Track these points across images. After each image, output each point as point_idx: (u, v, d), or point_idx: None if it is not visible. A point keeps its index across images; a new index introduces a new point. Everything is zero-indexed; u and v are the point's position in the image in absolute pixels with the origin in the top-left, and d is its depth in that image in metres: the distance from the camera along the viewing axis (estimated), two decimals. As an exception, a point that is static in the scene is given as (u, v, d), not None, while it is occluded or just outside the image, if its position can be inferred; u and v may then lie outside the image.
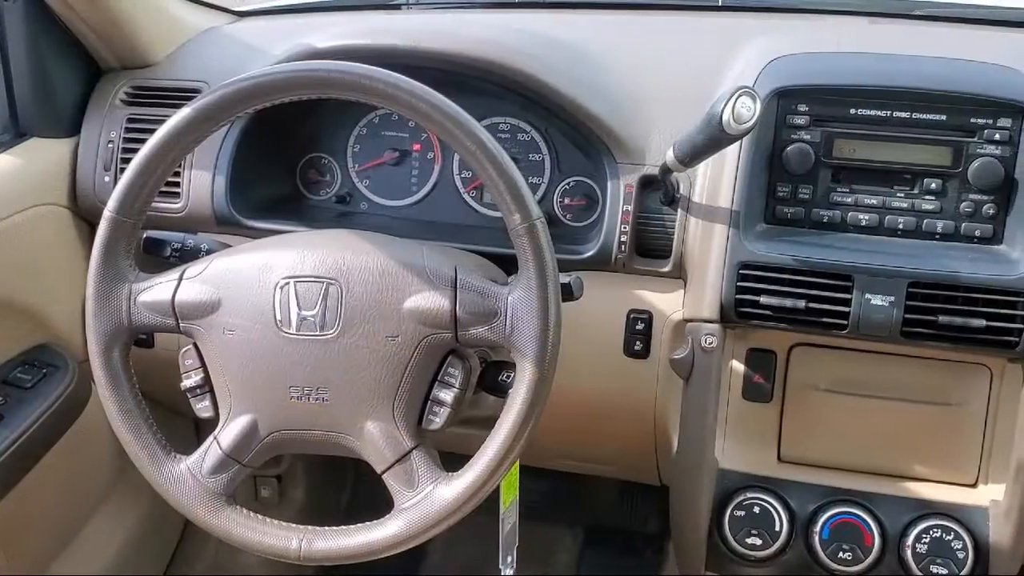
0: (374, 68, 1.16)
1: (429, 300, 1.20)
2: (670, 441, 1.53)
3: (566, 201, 1.63)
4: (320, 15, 1.94)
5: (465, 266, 1.24)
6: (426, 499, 1.20)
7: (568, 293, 1.30)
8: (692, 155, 1.33)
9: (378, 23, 1.84)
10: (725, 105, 1.23)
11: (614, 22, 1.79)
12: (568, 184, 1.63)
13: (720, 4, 1.84)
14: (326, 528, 1.23)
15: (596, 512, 2.36)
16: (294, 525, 1.24)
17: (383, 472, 1.23)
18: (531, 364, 1.17)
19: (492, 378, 1.34)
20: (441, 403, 1.23)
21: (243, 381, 1.24)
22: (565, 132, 1.59)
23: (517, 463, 1.48)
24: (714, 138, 1.28)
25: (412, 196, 1.70)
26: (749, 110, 1.24)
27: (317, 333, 1.22)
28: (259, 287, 1.23)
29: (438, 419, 1.24)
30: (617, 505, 2.32)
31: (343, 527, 1.23)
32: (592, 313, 1.51)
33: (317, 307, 1.22)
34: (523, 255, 1.16)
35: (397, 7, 1.96)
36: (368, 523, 1.22)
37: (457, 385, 1.23)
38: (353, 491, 2.41)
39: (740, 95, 1.24)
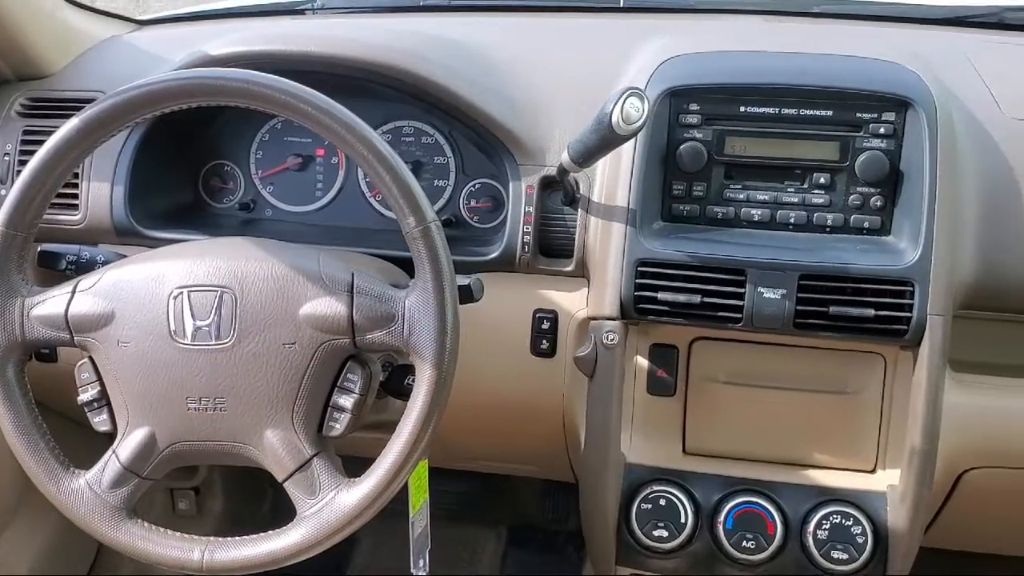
0: (263, 74, 1.16)
1: (325, 306, 1.20)
2: (579, 438, 1.54)
3: (472, 203, 1.64)
4: (222, 22, 1.93)
5: (363, 271, 1.24)
6: (328, 506, 1.20)
7: (468, 295, 1.31)
8: (586, 156, 1.35)
9: (278, 29, 1.83)
10: (614, 106, 1.25)
11: (514, 25, 1.81)
12: (474, 186, 1.64)
13: (621, 5, 1.87)
14: (228, 539, 1.22)
15: (518, 511, 2.37)
16: (196, 537, 1.23)
17: (284, 480, 1.23)
18: (430, 367, 1.17)
19: (398, 382, 1.35)
20: (341, 409, 1.23)
21: (139, 393, 1.23)
22: (468, 135, 1.60)
23: (426, 466, 1.49)
24: (605, 138, 1.30)
25: (317, 202, 1.69)
26: (638, 110, 1.26)
27: (213, 343, 1.21)
28: (152, 298, 1.22)
29: (339, 425, 1.23)
30: (538, 503, 2.33)
31: (245, 537, 1.22)
32: (498, 314, 1.53)
33: (211, 316, 1.21)
34: (419, 258, 1.17)
35: (302, 12, 1.96)
36: (270, 532, 1.21)
37: (357, 391, 1.23)
38: (274, 500, 2.39)
39: (628, 96, 1.26)
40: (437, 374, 1.17)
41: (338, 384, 1.23)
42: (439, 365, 1.17)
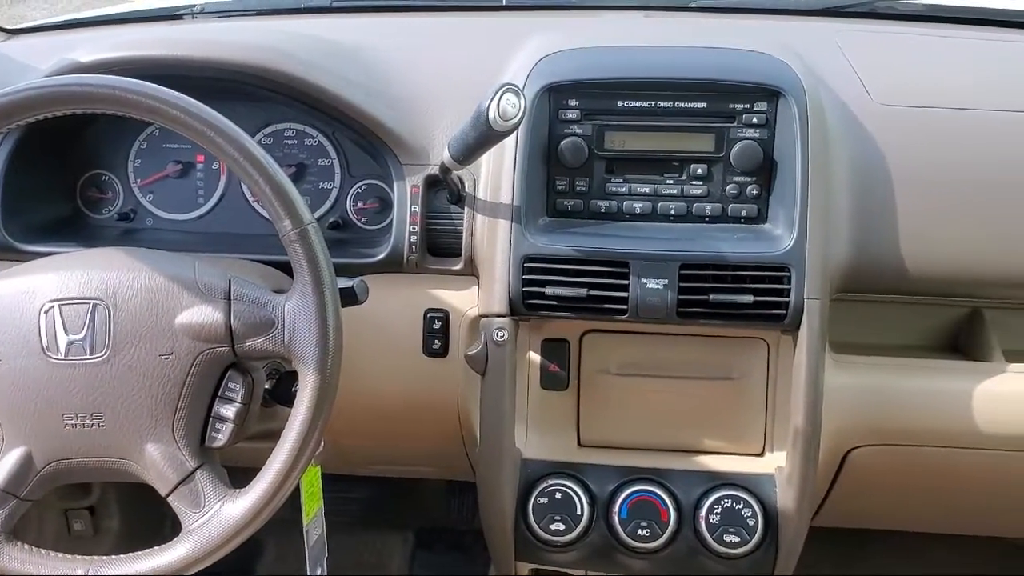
0: (130, 80, 1.13)
1: (202, 314, 1.18)
2: (475, 436, 1.54)
3: (359, 204, 1.63)
4: (97, 29, 1.88)
5: (241, 277, 1.22)
6: (213, 518, 1.18)
7: (352, 297, 1.29)
8: (466, 153, 1.35)
9: (154, 34, 1.79)
10: (490, 102, 1.26)
11: (397, 25, 1.80)
12: (360, 187, 1.62)
13: (504, 3, 1.87)
14: (113, 557, 1.19)
15: (425, 513, 2.36)
16: (80, 556, 1.20)
17: (167, 495, 1.20)
18: (313, 372, 1.16)
19: (285, 390, 1.33)
20: (223, 419, 1.21)
21: (13, 412, 1.19)
22: (352, 136, 1.58)
23: (318, 473, 1.48)
24: (484, 135, 1.30)
25: (199, 209, 1.66)
26: (514, 106, 1.26)
27: (87, 357, 1.18)
28: (23, 313, 1.19)
29: (222, 436, 1.22)
30: (444, 504, 2.33)
31: (131, 554, 1.20)
32: (388, 315, 1.52)
33: (85, 330, 1.18)
34: (297, 262, 1.16)
35: (180, 17, 1.92)
36: (156, 548, 1.19)
37: (239, 400, 1.21)
38: (175, 516, 2.33)
39: (504, 92, 1.26)
40: (320, 379, 1.15)
41: (219, 394, 1.21)
42: (322, 370, 1.15)
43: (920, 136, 1.47)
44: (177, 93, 1.14)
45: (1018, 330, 1.55)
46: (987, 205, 1.45)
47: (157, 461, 1.19)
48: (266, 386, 1.34)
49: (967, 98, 1.51)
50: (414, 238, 1.49)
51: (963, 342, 1.58)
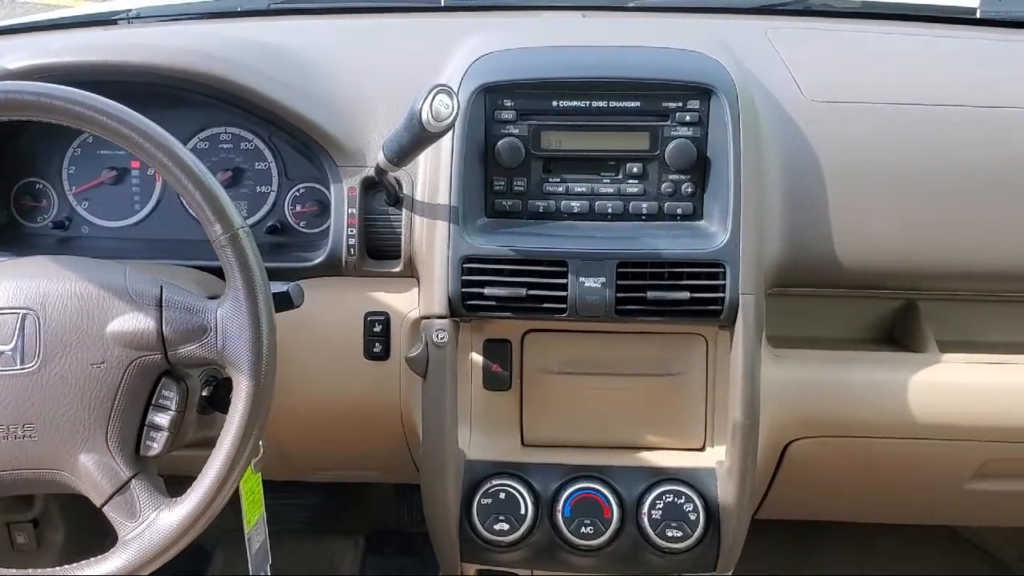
0: (57, 86, 1.12)
1: (133, 322, 1.17)
2: (419, 439, 1.54)
3: (297, 208, 1.62)
4: (30, 35, 1.85)
5: (173, 283, 1.21)
6: (149, 528, 1.17)
7: (287, 302, 1.29)
8: (400, 154, 1.35)
9: (87, 40, 1.76)
10: (423, 103, 1.26)
11: (333, 27, 1.79)
12: (298, 191, 1.61)
13: (443, 4, 1.87)
14: (48, 570, 1.17)
15: (375, 517, 2.36)
16: (16, 571, 1.18)
17: (103, 505, 1.19)
18: (247, 378, 1.15)
19: (223, 396, 1.32)
20: (158, 428, 1.20)
21: None
22: (288, 139, 1.57)
23: (259, 480, 1.47)
24: (417, 136, 1.30)
25: (136, 215, 1.64)
26: (447, 107, 1.26)
27: (16, 367, 1.16)
28: None
29: (156, 445, 1.20)
30: (394, 507, 2.32)
31: (67, 566, 1.18)
32: (328, 319, 1.52)
33: (14, 340, 1.17)
34: (228, 267, 1.15)
35: (115, 22, 1.90)
36: (91, 559, 1.18)
37: (173, 408, 1.20)
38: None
39: (437, 93, 1.26)
40: (254, 385, 1.15)
41: (153, 402, 1.20)
42: (256, 376, 1.15)
43: (851, 131, 1.49)
44: (105, 99, 1.12)
45: (952, 321, 1.58)
46: (918, 198, 1.47)
47: (91, 471, 1.18)
48: (204, 393, 1.33)
49: (899, 93, 1.53)
50: (352, 241, 1.48)
51: (898, 334, 1.61)
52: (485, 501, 1.48)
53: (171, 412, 1.20)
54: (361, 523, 2.35)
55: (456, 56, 1.53)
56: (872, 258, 1.47)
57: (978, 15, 1.82)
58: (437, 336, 1.43)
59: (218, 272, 1.44)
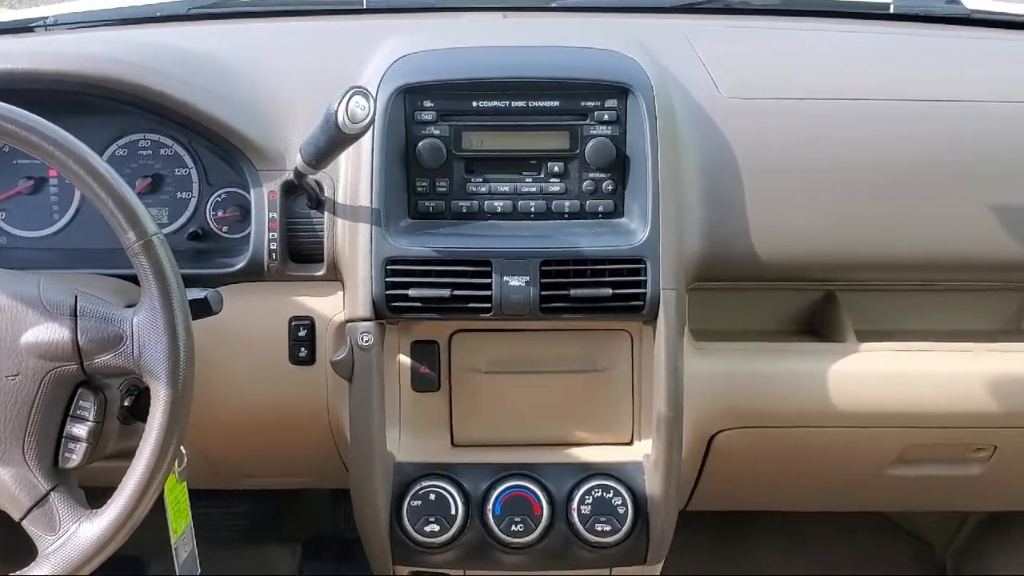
0: None
1: (47, 332, 1.15)
2: (348, 443, 1.53)
3: (219, 214, 1.60)
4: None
5: (89, 292, 1.19)
6: (69, 540, 1.15)
7: (205, 308, 1.27)
8: (318, 157, 1.35)
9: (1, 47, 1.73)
10: (339, 105, 1.25)
11: (253, 30, 1.78)
12: (220, 196, 1.60)
13: (365, 6, 1.87)
14: None
15: (311, 523, 2.34)
16: None
17: (21, 519, 1.17)
18: (164, 386, 1.14)
19: (144, 406, 1.30)
20: (76, 439, 1.19)
21: None
22: (208, 144, 1.56)
23: (184, 489, 1.45)
24: (334, 139, 1.29)
25: (54, 225, 1.61)
26: (363, 109, 1.26)
27: None
28: None
29: (75, 456, 1.19)
30: (331, 513, 2.31)
31: None
32: (252, 325, 1.50)
33: None
34: (143, 274, 1.14)
35: (31, 30, 1.86)
36: (11, 575, 1.15)
37: (91, 418, 1.19)
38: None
39: (353, 95, 1.26)
40: (172, 393, 1.14)
41: (70, 413, 1.19)
42: (174, 384, 1.14)
43: (767, 128, 1.52)
44: (13, 108, 1.11)
45: (869, 310, 1.62)
46: (833, 192, 1.50)
47: (8, 485, 1.16)
48: (125, 403, 1.32)
49: (814, 89, 1.56)
50: (274, 245, 1.47)
51: (818, 324, 1.64)
52: (415, 503, 1.48)
53: (89, 423, 1.18)
54: (298, 529, 2.33)
55: (376, 58, 1.53)
56: (790, 252, 1.50)
57: (892, 10, 1.86)
58: (362, 339, 1.43)
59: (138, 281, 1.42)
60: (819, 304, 1.64)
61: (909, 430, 1.56)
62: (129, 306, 1.19)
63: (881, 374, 1.53)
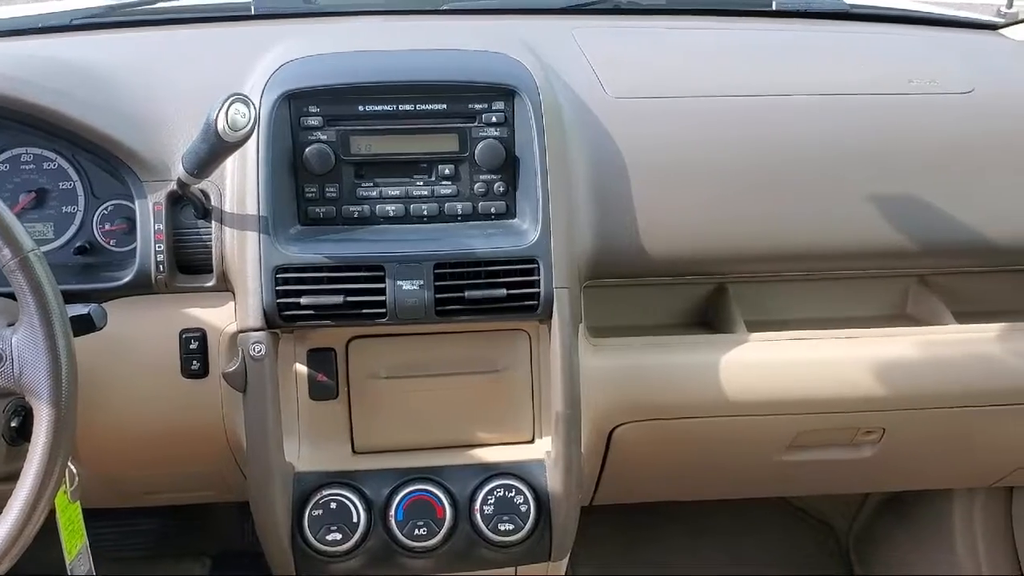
0: None
1: None
2: (245, 455, 1.51)
3: (106, 227, 1.56)
4: None
5: None
6: None
7: (88, 324, 1.25)
8: (200, 167, 1.33)
9: None
10: (218, 113, 1.24)
11: (137, 40, 1.74)
12: (106, 209, 1.56)
13: (252, 12, 1.84)
14: None
15: (220, 538, 2.30)
16: None
17: None
18: (47, 405, 1.11)
19: (31, 426, 1.27)
20: None
21: None
22: (91, 157, 1.52)
23: (78, 509, 1.42)
24: (215, 147, 1.28)
25: None
26: (244, 116, 1.25)
27: None
28: None
29: None
30: (239, 526, 2.27)
31: None
32: (142, 339, 1.47)
33: None
34: (20, 292, 1.11)
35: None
36: None
37: None
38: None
39: (233, 102, 1.24)
40: (56, 412, 1.11)
41: None
42: (56, 402, 1.11)
43: (653, 126, 1.54)
44: None
45: (759, 301, 1.66)
46: (718, 188, 1.53)
47: None
48: (13, 424, 1.28)
49: (699, 87, 1.60)
50: (161, 257, 1.45)
51: (710, 316, 1.67)
52: (316, 512, 1.46)
53: None
54: (206, 544, 2.29)
55: (260, 64, 1.51)
56: (678, 247, 1.53)
57: (774, 7, 1.91)
58: (254, 349, 1.41)
59: None
60: (710, 297, 1.67)
61: (800, 416, 1.61)
62: (10, 324, 1.16)
63: (771, 363, 1.57)
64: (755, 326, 1.60)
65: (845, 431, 1.68)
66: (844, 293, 1.70)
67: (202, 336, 1.48)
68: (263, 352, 1.41)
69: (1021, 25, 1.89)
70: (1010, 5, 2.03)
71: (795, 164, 1.55)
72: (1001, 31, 1.92)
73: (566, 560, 1.58)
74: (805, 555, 2.41)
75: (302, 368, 1.50)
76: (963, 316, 1.66)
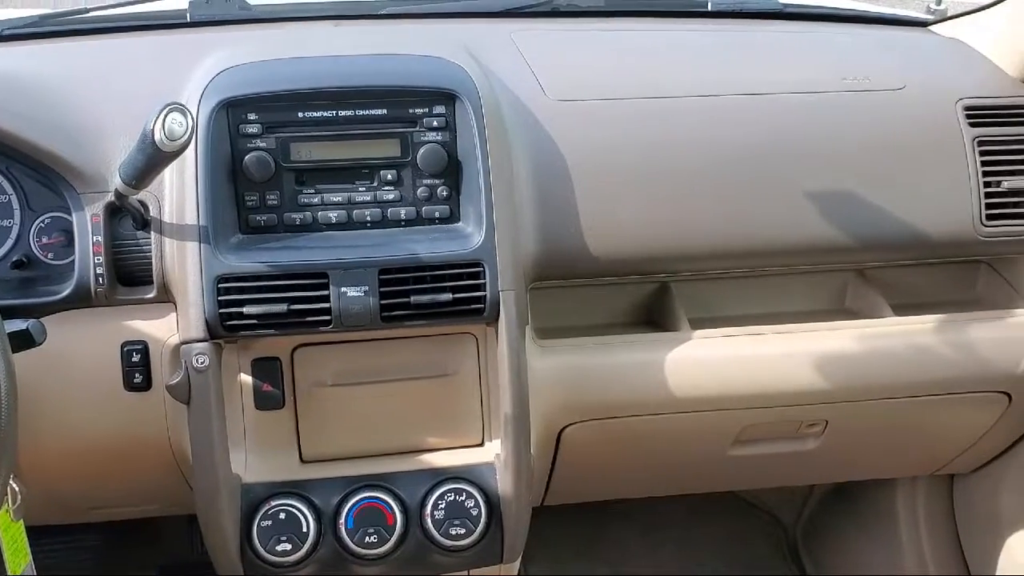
0: None
1: None
2: (191, 467, 1.50)
3: (44, 240, 1.54)
4: None
5: None
6: None
7: (26, 340, 1.23)
8: (137, 177, 1.31)
9: None
10: (155, 123, 1.22)
11: (70, 49, 1.69)
12: (43, 222, 1.53)
13: (188, 20, 1.82)
14: None
15: (168, 552, 2.27)
16: None
17: None
18: None
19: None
20: None
21: None
22: (25, 169, 1.49)
23: (21, 528, 1.39)
24: (152, 157, 1.26)
25: None
26: (181, 125, 1.23)
27: None
28: None
29: None
30: (186, 538, 2.24)
31: None
32: (82, 353, 1.45)
33: None
34: None
35: None
36: None
37: None
38: None
39: (169, 111, 1.23)
40: None
41: None
42: None
43: (593, 128, 1.55)
44: None
45: (701, 299, 1.69)
46: (658, 188, 1.55)
47: None
48: None
49: (637, 88, 1.61)
50: (100, 270, 1.42)
51: (655, 315, 1.69)
52: (265, 523, 1.45)
53: None
54: (154, 557, 2.26)
55: (198, 72, 1.50)
56: (621, 248, 1.54)
57: (709, 7, 1.93)
58: (197, 360, 1.39)
59: None
60: (654, 296, 1.69)
61: (745, 411, 1.63)
62: None
63: (714, 359, 1.59)
64: (699, 323, 1.63)
65: (789, 424, 1.71)
66: (785, 288, 1.73)
67: (144, 349, 1.46)
68: (206, 363, 1.39)
69: (950, 22, 1.93)
70: (939, 2, 2.08)
71: (734, 163, 1.57)
72: (931, 28, 1.96)
73: (518, 561, 1.58)
74: (755, 547, 2.44)
75: (247, 378, 1.49)
76: (901, 308, 1.70)
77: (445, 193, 1.47)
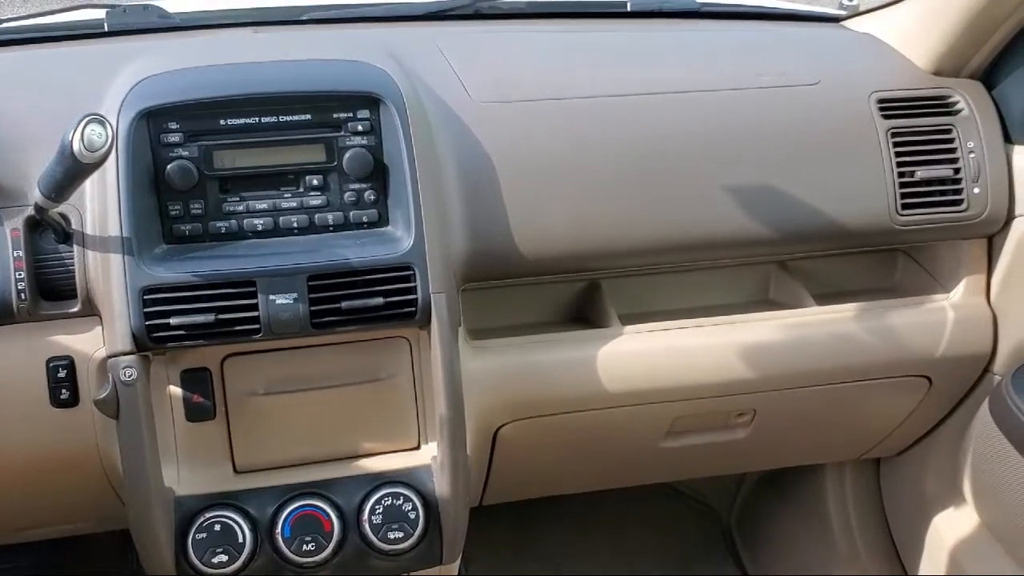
0: None
1: None
2: (123, 482, 1.47)
3: None
4: None
5: None
6: None
7: None
8: (56, 190, 1.28)
9: None
10: (74, 134, 1.20)
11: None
12: None
13: (105, 29, 1.79)
14: None
15: (103, 568, 2.23)
16: None
17: None
18: None
19: None
20: None
21: None
22: None
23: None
24: (72, 169, 1.24)
25: None
26: (100, 136, 1.21)
27: None
28: None
29: None
30: (122, 555, 2.21)
31: None
32: (6, 371, 1.42)
33: None
34: None
35: None
36: None
37: None
38: None
39: (88, 123, 1.21)
40: None
41: None
42: None
43: (517, 129, 1.56)
44: None
45: (629, 295, 1.71)
46: (582, 187, 1.56)
47: None
48: None
49: (560, 89, 1.63)
50: (22, 285, 1.39)
51: (586, 312, 1.71)
52: (200, 536, 1.43)
53: None
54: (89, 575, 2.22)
55: (117, 82, 1.47)
56: (548, 247, 1.55)
57: (629, 8, 1.96)
58: (125, 374, 1.37)
59: None
60: (585, 293, 1.71)
61: (675, 403, 1.66)
62: None
63: (643, 353, 1.62)
64: (628, 319, 1.65)
65: (719, 415, 1.74)
66: (711, 282, 1.77)
67: (70, 364, 1.43)
68: (134, 376, 1.37)
69: (861, 17, 1.98)
70: (851, -2, 2.14)
71: (656, 161, 1.60)
72: (843, 23, 2.01)
73: (458, 562, 1.59)
74: (689, 536, 2.48)
75: (176, 390, 1.47)
76: (823, 298, 1.74)
77: (372, 197, 1.47)
